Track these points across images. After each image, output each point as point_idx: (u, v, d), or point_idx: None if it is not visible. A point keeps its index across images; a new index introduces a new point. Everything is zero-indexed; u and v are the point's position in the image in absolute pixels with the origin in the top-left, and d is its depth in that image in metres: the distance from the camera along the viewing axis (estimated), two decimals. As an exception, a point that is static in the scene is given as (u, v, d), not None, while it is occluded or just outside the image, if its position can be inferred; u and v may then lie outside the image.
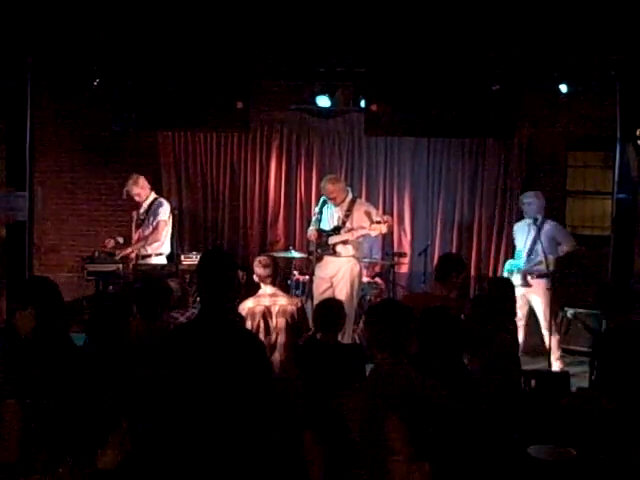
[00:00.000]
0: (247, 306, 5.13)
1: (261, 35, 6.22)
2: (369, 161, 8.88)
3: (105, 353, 3.65)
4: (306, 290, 7.09)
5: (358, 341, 7.10)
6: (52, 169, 8.91)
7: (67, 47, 6.35)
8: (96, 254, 7.35)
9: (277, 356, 5.07)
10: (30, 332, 3.19)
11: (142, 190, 7.44)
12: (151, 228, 7.35)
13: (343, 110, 8.36)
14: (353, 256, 6.81)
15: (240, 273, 5.34)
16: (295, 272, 7.93)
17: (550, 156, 8.64)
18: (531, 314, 6.97)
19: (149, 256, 7.29)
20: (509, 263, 7.22)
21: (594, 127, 8.09)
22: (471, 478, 2.95)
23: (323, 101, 7.24)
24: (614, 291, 4.60)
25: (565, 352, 7.07)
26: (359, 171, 8.88)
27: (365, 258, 7.60)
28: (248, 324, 5.04)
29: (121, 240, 7.61)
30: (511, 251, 8.59)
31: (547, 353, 6.63)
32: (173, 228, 7.57)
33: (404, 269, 8.80)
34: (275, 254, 8.36)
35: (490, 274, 8.59)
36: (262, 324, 5.09)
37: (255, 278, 5.26)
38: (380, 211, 7.75)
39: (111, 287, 7.01)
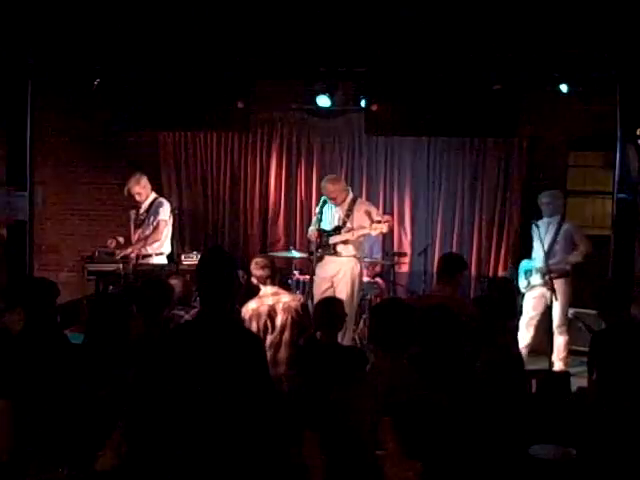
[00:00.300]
0: (251, 307, 5.13)
1: (261, 35, 6.22)
2: (369, 161, 8.88)
3: (105, 353, 3.65)
4: (307, 290, 7.09)
5: (358, 341, 7.10)
6: (53, 169, 8.92)
7: (67, 47, 6.35)
8: (96, 254, 7.35)
9: (282, 353, 5.07)
10: (19, 331, 3.20)
11: (143, 190, 7.44)
12: (151, 228, 7.34)
13: (343, 110, 8.35)
14: (354, 256, 6.81)
15: (240, 273, 5.33)
16: (295, 272, 7.93)
17: (550, 156, 8.63)
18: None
19: (149, 256, 7.28)
20: (525, 262, 7.18)
21: (594, 127, 8.08)
22: (472, 478, 2.95)
23: (323, 101, 7.24)
24: (611, 290, 4.59)
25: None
26: (359, 171, 8.88)
27: (366, 258, 7.59)
28: (254, 325, 5.03)
29: (122, 240, 7.61)
30: (511, 251, 8.62)
31: (547, 353, 6.62)
32: (173, 228, 7.57)
33: (404, 269, 8.79)
34: (275, 254, 8.37)
35: (490, 274, 8.59)
36: (269, 323, 5.09)
37: (254, 280, 5.26)
38: (380, 211, 7.75)
39: (111, 287, 7.01)
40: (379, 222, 6.59)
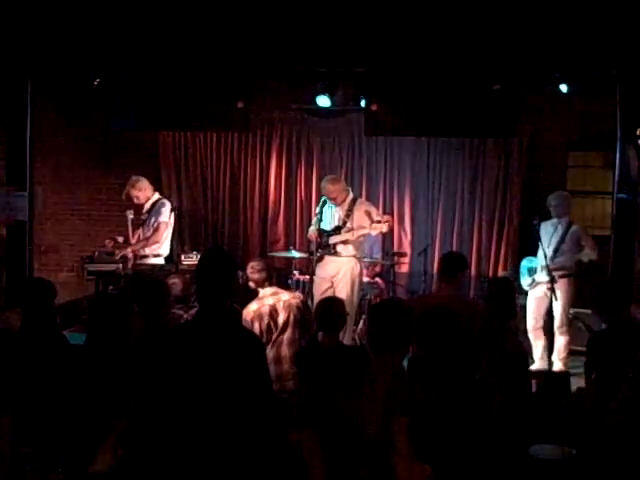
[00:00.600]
0: (252, 309, 5.13)
1: (261, 35, 6.22)
2: (369, 161, 8.88)
3: (106, 353, 3.64)
4: (306, 290, 7.09)
5: (358, 341, 7.10)
6: (52, 169, 8.91)
7: (67, 47, 6.35)
8: (96, 254, 7.35)
9: (285, 351, 5.07)
10: (18, 330, 3.19)
11: (140, 192, 7.41)
12: (152, 229, 7.33)
13: (343, 110, 8.35)
14: (354, 256, 6.81)
15: (240, 273, 5.33)
16: (295, 272, 7.93)
17: (550, 156, 8.63)
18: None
19: (146, 257, 7.27)
20: (528, 260, 7.14)
21: (594, 127, 8.08)
22: (472, 478, 2.95)
23: (323, 101, 7.24)
24: (611, 290, 4.58)
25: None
26: (359, 171, 8.88)
27: (365, 258, 7.59)
28: (256, 326, 5.04)
29: (121, 240, 7.60)
30: (511, 251, 8.62)
31: (547, 353, 6.62)
32: (173, 228, 7.56)
33: (404, 269, 8.79)
34: (275, 254, 8.38)
35: (490, 274, 8.59)
36: (271, 323, 5.09)
37: (252, 285, 5.26)
38: (380, 211, 7.75)
39: (111, 287, 7.01)
40: (379, 222, 6.59)
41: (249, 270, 5.23)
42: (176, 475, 3.01)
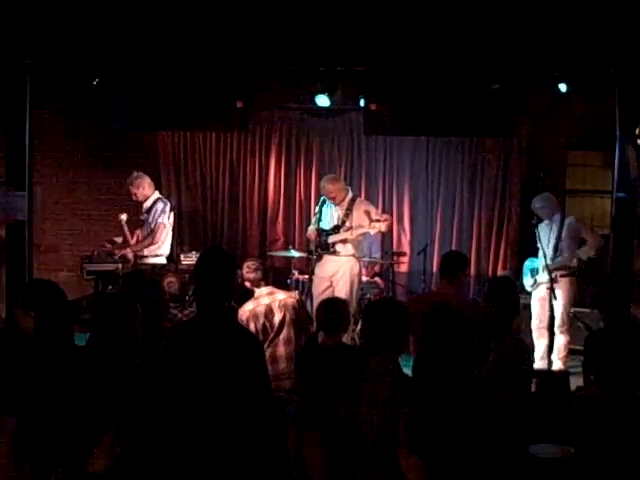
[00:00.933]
0: (247, 309, 5.13)
1: (260, 34, 6.22)
2: (368, 160, 8.88)
3: (108, 353, 3.64)
4: (306, 289, 7.09)
5: (358, 341, 7.10)
6: (52, 169, 8.92)
7: (66, 47, 6.34)
8: (95, 254, 7.35)
9: (282, 350, 5.07)
10: (31, 333, 3.19)
11: (138, 190, 7.40)
12: (150, 230, 7.33)
13: (342, 109, 8.36)
14: (353, 255, 6.81)
15: (239, 273, 5.33)
16: (295, 271, 7.93)
17: (550, 155, 8.63)
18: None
19: (145, 257, 7.27)
20: (531, 261, 7.14)
21: (593, 126, 8.09)
22: (472, 477, 2.95)
23: (322, 100, 7.24)
24: (613, 288, 4.58)
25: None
26: (358, 170, 8.88)
27: (365, 257, 7.60)
28: (252, 326, 5.04)
29: (119, 240, 7.60)
30: (510, 251, 8.62)
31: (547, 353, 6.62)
32: (173, 228, 7.56)
33: (404, 268, 8.80)
34: (274, 253, 8.38)
35: (490, 273, 8.60)
36: (267, 322, 5.09)
37: (247, 284, 5.26)
38: (379, 210, 7.75)
39: (110, 287, 7.01)
40: (378, 221, 6.60)
41: (245, 270, 5.23)
42: (175, 474, 3.01)
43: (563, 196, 8.62)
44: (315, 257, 6.68)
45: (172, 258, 7.47)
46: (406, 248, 8.81)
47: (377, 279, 8.24)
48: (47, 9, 5.94)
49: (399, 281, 8.60)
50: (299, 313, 5.21)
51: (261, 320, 5.09)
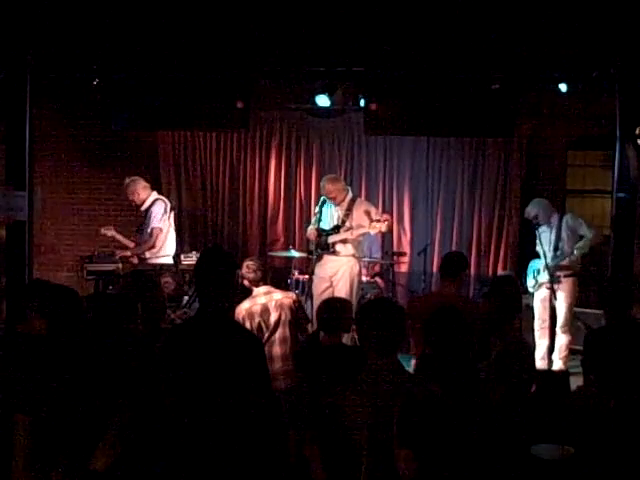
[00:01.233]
0: (244, 308, 5.13)
1: (261, 34, 6.21)
2: (368, 160, 8.88)
3: (107, 352, 3.64)
4: (306, 289, 7.09)
5: (358, 341, 7.10)
6: (52, 169, 8.91)
7: (67, 47, 6.34)
8: (95, 254, 7.35)
9: (277, 350, 5.07)
10: (43, 334, 3.20)
11: (133, 196, 7.40)
12: (148, 235, 7.32)
13: (343, 109, 8.35)
14: (353, 255, 6.81)
15: (239, 272, 5.33)
16: (295, 271, 7.93)
17: (550, 155, 8.64)
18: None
19: (149, 258, 7.27)
20: (533, 262, 7.14)
21: (594, 126, 8.09)
22: (472, 476, 2.95)
23: (323, 100, 7.24)
24: (617, 287, 4.58)
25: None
26: (358, 170, 8.88)
27: (365, 257, 7.60)
28: (247, 324, 5.04)
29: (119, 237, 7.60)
30: (511, 251, 8.62)
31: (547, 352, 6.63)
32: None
33: (404, 268, 8.80)
34: (274, 253, 8.38)
35: (490, 273, 8.60)
36: (262, 322, 5.09)
37: (246, 283, 5.26)
38: (379, 210, 7.75)
39: (111, 287, 7.01)
40: (378, 221, 6.60)
41: (244, 269, 5.23)
42: (175, 473, 3.01)
43: (563, 196, 8.62)
44: (315, 257, 6.68)
45: (174, 257, 7.46)
46: (406, 248, 8.81)
47: (377, 279, 8.24)
48: (47, 9, 5.94)
49: (399, 281, 8.60)
50: (295, 313, 5.21)
51: (257, 319, 5.09)
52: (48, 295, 3.26)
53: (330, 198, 6.82)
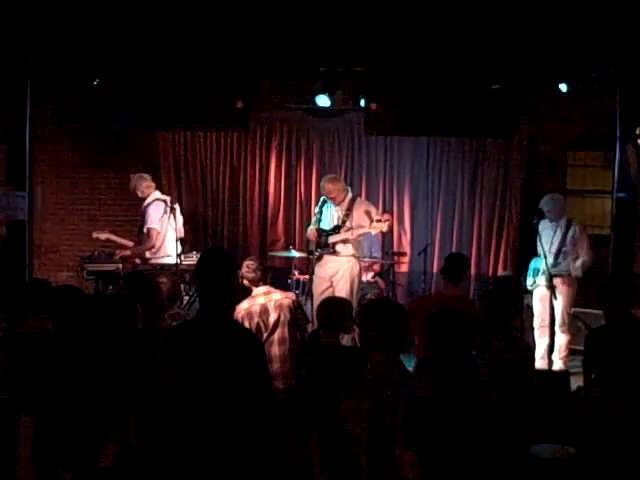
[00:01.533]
0: (243, 307, 5.13)
1: (261, 34, 6.21)
2: (369, 160, 8.89)
3: (109, 351, 3.64)
4: (306, 289, 7.09)
5: (358, 342, 7.10)
6: (52, 169, 8.91)
7: (67, 47, 6.34)
8: (95, 254, 7.34)
9: (276, 350, 5.07)
10: (41, 334, 3.20)
11: (138, 193, 7.39)
12: (144, 235, 7.32)
13: (343, 109, 8.35)
14: (353, 255, 6.81)
15: (239, 273, 5.33)
16: (295, 271, 7.93)
17: (550, 155, 8.64)
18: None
19: (150, 259, 7.26)
20: (535, 261, 7.11)
21: (594, 126, 8.09)
22: (472, 476, 2.95)
23: (323, 100, 7.24)
24: (617, 287, 4.57)
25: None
26: (359, 170, 8.89)
27: (365, 257, 7.60)
28: (246, 324, 5.03)
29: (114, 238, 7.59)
30: (511, 251, 8.62)
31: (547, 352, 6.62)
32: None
33: (404, 268, 8.80)
34: (275, 254, 8.38)
35: (490, 273, 8.60)
36: (261, 322, 5.09)
37: (246, 283, 5.26)
38: (380, 210, 7.76)
39: (111, 287, 7.00)
40: (379, 221, 6.60)
41: (244, 269, 5.22)
42: (178, 471, 3.01)
43: (563, 196, 8.61)
44: (315, 257, 6.67)
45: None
46: (406, 248, 8.81)
47: (377, 279, 8.24)
48: (47, 9, 5.94)
49: (399, 281, 8.61)
50: (295, 313, 5.20)
51: (255, 319, 5.09)
52: (50, 295, 3.26)
53: (330, 198, 6.82)
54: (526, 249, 7.61)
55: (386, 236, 8.35)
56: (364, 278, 7.58)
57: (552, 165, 8.63)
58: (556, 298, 6.48)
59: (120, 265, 7.03)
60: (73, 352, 3.11)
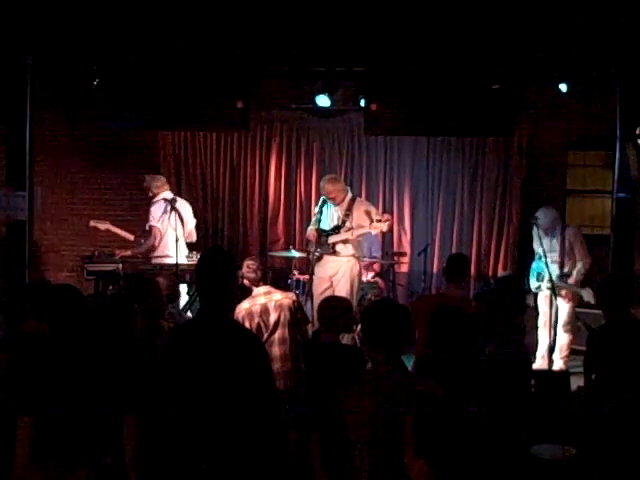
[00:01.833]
0: (243, 307, 5.13)
1: (261, 34, 6.22)
2: (369, 160, 8.88)
3: (109, 353, 3.64)
4: (306, 290, 7.09)
5: (358, 342, 7.10)
6: (52, 169, 8.91)
7: (67, 47, 6.35)
8: (95, 254, 7.34)
9: (276, 350, 5.07)
10: (41, 334, 3.20)
11: (148, 192, 7.40)
12: (146, 233, 7.32)
13: (343, 110, 8.36)
14: (353, 255, 6.81)
15: (239, 272, 5.34)
16: (295, 272, 7.93)
17: (550, 155, 8.63)
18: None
19: (152, 258, 7.26)
20: (537, 263, 7.08)
21: (594, 126, 8.09)
22: (473, 476, 2.95)
23: (323, 100, 7.24)
24: (617, 285, 4.57)
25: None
26: (359, 170, 8.88)
27: (365, 257, 7.60)
28: (247, 324, 5.03)
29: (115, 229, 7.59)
30: (511, 251, 8.62)
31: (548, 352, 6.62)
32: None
33: (404, 268, 8.80)
34: (275, 254, 8.38)
35: (490, 273, 8.60)
36: (262, 322, 5.09)
37: (246, 282, 5.26)
38: (380, 210, 7.75)
39: (111, 287, 7.00)
40: (379, 221, 6.60)
41: (245, 269, 5.22)
42: (178, 471, 3.01)
43: (563, 196, 8.63)
44: (315, 257, 6.67)
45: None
46: (406, 248, 8.81)
47: (377, 279, 8.24)
48: (48, 9, 5.95)
49: (399, 281, 8.60)
50: (295, 314, 5.21)
51: (256, 319, 5.09)
52: (48, 295, 3.26)
53: (329, 198, 6.82)
54: (526, 249, 7.62)
55: (386, 236, 8.35)
56: (364, 278, 7.58)
57: (552, 165, 8.63)
58: (556, 298, 6.49)
59: (120, 265, 7.03)
60: (71, 352, 3.10)
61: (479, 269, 8.67)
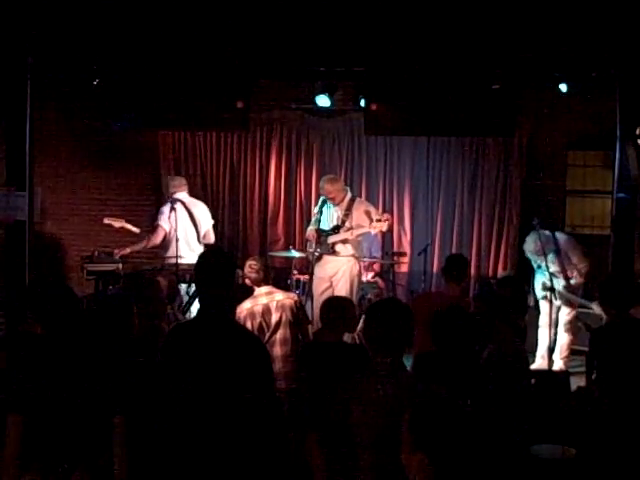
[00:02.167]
0: (245, 307, 5.13)
1: (261, 35, 6.22)
2: (369, 161, 8.89)
3: (109, 352, 3.65)
4: (306, 290, 7.09)
5: (358, 341, 7.10)
6: (52, 169, 8.90)
7: (67, 47, 6.34)
8: (95, 254, 7.34)
9: (278, 350, 5.08)
10: (38, 334, 3.20)
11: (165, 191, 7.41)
12: (152, 232, 7.33)
13: (343, 110, 8.36)
14: (353, 255, 6.82)
15: (239, 272, 5.34)
16: (295, 272, 7.93)
17: (550, 155, 8.63)
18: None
19: (166, 258, 7.25)
20: (540, 274, 7.05)
21: (594, 126, 8.08)
22: (473, 476, 2.95)
23: (323, 101, 7.24)
24: (618, 285, 4.57)
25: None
26: (359, 170, 8.88)
27: (365, 257, 7.60)
28: (248, 324, 5.04)
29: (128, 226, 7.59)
30: (511, 251, 8.61)
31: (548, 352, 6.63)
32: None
33: (404, 268, 8.80)
34: (275, 254, 8.38)
35: (490, 274, 8.59)
36: (264, 322, 5.10)
37: (248, 282, 5.26)
38: (380, 210, 7.75)
39: (111, 287, 7.00)
40: (379, 221, 6.60)
41: (247, 269, 5.23)
42: (178, 471, 3.01)
43: (563, 197, 8.63)
44: (314, 257, 6.67)
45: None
46: (406, 248, 8.81)
47: (377, 279, 8.24)
48: (48, 9, 5.94)
49: (399, 281, 8.60)
50: (297, 314, 5.21)
51: (258, 319, 5.09)
52: (43, 296, 3.26)
53: (329, 198, 6.82)
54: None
55: (386, 236, 8.35)
56: (364, 278, 7.58)
57: (552, 165, 8.63)
58: (556, 298, 6.49)
59: (120, 265, 7.03)
60: (64, 352, 3.10)
61: (479, 269, 8.67)
